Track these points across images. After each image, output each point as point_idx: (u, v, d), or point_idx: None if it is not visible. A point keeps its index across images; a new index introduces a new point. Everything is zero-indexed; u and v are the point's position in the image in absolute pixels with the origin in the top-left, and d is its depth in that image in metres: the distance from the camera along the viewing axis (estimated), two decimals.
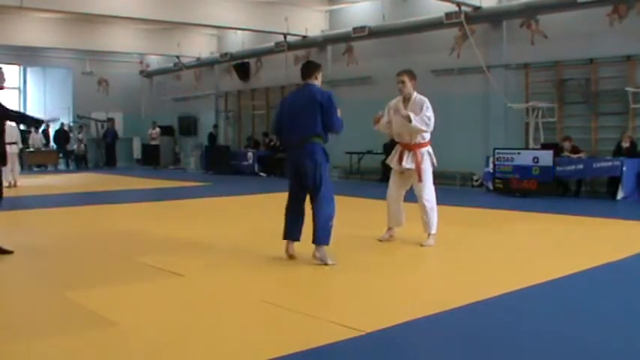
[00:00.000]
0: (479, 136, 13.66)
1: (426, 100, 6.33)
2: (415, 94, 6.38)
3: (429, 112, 6.22)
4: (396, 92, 6.49)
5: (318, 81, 5.69)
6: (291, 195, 5.76)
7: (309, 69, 5.70)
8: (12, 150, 13.94)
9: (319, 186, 5.50)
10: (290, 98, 5.78)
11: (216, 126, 21.63)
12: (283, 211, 5.77)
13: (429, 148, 6.43)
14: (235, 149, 20.10)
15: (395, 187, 6.56)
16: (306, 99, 5.52)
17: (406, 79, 6.34)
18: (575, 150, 11.62)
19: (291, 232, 5.71)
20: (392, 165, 6.57)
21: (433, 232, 6.38)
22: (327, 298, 4.36)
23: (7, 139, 13.68)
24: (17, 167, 14.47)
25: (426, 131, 6.30)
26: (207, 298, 4.44)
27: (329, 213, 5.54)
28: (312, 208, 5.60)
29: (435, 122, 6.33)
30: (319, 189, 5.50)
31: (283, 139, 5.82)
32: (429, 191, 6.35)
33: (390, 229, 6.63)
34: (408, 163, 6.36)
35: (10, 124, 14.42)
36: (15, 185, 13.95)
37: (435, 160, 6.43)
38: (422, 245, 6.32)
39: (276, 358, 3.14)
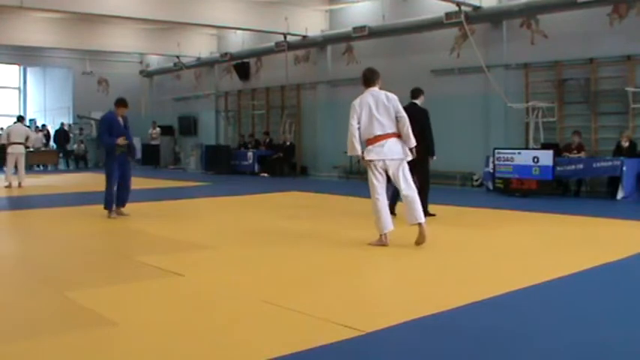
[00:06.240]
0: (479, 136, 13.66)
1: (357, 99, 6.40)
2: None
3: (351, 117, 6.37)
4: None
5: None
6: None
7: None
8: (18, 150, 13.87)
9: None
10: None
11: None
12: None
13: (369, 147, 6.50)
14: (236, 149, 20.09)
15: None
16: None
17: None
18: (580, 146, 11.63)
19: None
20: None
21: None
22: (327, 298, 4.36)
23: (13, 139, 13.76)
24: (23, 167, 14.29)
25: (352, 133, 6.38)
26: (207, 298, 4.44)
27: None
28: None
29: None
30: None
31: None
32: (369, 186, 6.60)
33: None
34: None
35: (18, 124, 14.42)
36: (20, 185, 13.90)
37: (365, 155, 6.53)
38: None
39: (276, 358, 3.14)
